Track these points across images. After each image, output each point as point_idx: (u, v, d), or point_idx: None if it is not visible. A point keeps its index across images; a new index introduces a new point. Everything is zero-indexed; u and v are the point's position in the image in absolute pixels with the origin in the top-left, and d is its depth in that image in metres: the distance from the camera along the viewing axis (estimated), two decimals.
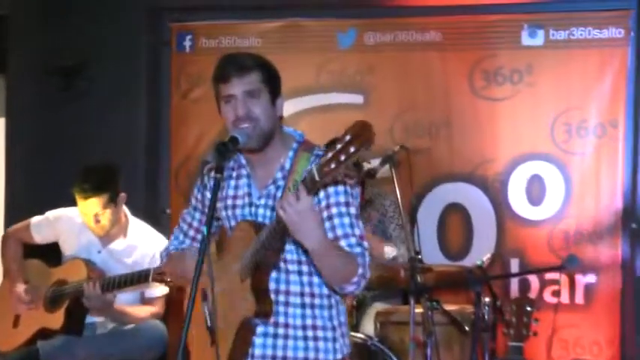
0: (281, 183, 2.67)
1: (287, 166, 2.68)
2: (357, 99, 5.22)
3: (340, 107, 5.22)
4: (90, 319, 4.17)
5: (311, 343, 2.68)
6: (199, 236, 2.78)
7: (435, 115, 5.15)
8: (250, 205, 2.71)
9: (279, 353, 2.67)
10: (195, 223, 2.87)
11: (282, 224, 2.44)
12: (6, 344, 4.29)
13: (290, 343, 2.67)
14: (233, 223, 2.74)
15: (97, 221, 4.12)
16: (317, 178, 2.32)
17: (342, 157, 2.27)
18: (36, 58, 5.40)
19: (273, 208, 2.63)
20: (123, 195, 4.18)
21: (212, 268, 2.49)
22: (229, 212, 2.74)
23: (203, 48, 5.38)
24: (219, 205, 2.73)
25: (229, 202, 2.75)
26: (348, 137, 2.28)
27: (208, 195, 2.74)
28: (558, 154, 5.02)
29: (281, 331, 2.67)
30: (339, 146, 2.28)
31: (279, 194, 2.65)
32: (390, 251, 4.31)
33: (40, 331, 4.17)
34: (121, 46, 5.30)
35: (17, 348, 4.22)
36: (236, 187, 2.75)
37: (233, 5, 5.37)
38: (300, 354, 2.67)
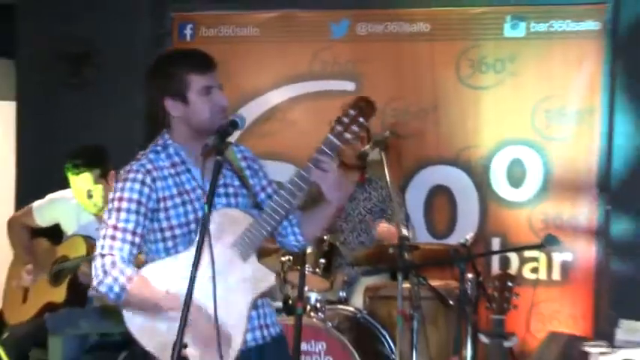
0: (227, 172, 2.62)
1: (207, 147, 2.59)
2: (350, 86, 5.17)
3: (333, 94, 5.15)
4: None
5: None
6: (136, 239, 2.54)
7: (423, 101, 5.11)
8: (205, 196, 2.55)
9: (262, 322, 2.67)
10: (139, 229, 2.54)
11: (303, 187, 2.51)
12: (17, 318, 4.27)
13: (267, 309, 2.70)
14: (192, 216, 2.57)
15: (90, 197, 4.10)
16: (339, 144, 2.53)
17: (355, 129, 2.52)
18: (44, 46, 5.35)
19: (226, 195, 2.62)
20: (113, 172, 4.13)
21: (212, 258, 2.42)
22: (188, 207, 2.57)
23: (203, 37, 5.34)
24: (158, 205, 2.56)
25: (187, 197, 2.58)
26: (352, 112, 2.53)
27: (153, 194, 2.55)
28: (538, 139, 4.99)
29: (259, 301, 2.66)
30: (346, 120, 2.53)
31: (229, 181, 2.63)
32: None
33: (46, 305, 4.15)
34: (126, 35, 5.25)
35: (27, 321, 4.20)
36: (182, 183, 2.59)
37: None
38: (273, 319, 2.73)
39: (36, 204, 4.32)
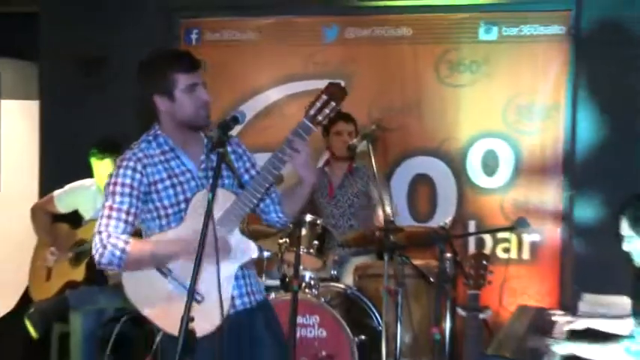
0: (214, 157, 2.55)
1: (208, 145, 2.65)
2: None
3: None
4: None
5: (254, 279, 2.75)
6: (129, 218, 2.55)
7: (407, 99, 5.08)
8: (192, 178, 2.62)
9: (249, 289, 2.69)
10: (132, 210, 2.56)
11: (280, 167, 2.52)
12: (41, 295, 4.26)
13: (253, 280, 2.73)
14: (182, 197, 2.59)
15: None
16: (313, 127, 2.52)
17: (327, 112, 2.53)
18: (64, 50, 5.32)
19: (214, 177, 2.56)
20: None
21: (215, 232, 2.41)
22: (178, 188, 2.59)
23: (208, 40, 5.29)
24: (150, 188, 2.58)
25: (176, 179, 2.59)
26: (325, 97, 2.54)
27: (144, 179, 2.57)
28: (509, 132, 4.98)
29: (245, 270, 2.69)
30: (318, 104, 2.54)
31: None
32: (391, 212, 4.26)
33: (67, 283, 4.15)
34: (138, 39, 5.19)
35: (50, 297, 4.19)
36: (171, 168, 2.61)
37: (234, 4, 5.26)
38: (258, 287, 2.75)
39: (56, 192, 4.30)
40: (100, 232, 2.54)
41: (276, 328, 2.76)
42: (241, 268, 2.62)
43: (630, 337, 3.00)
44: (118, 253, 2.50)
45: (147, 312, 2.52)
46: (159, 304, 2.52)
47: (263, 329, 2.69)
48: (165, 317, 2.49)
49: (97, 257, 2.52)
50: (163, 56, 2.69)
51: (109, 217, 2.54)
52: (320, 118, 2.53)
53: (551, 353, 3.11)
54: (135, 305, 2.54)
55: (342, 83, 5.16)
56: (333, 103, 2.53)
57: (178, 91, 2.57)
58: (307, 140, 2.54)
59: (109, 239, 2.51)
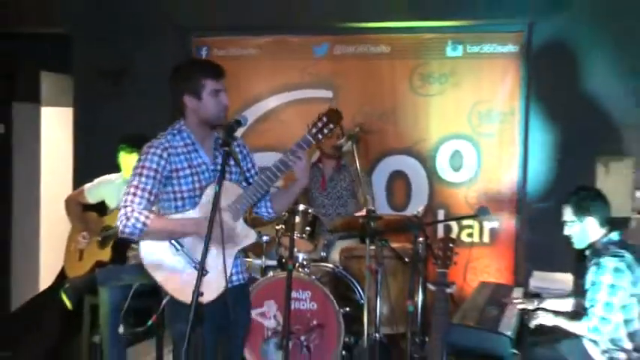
0: (221, 153, 2.59)
1: (217, 141, 2.68)
2: (329, 94, 5.13)
3: (316, 100, 5.12)
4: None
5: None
6: (151, 198, 2.56)
7: (385, 106, 5.07)
8: (207, 170, 2.66)
9: (242, 268, 2.76)
10: (154, 191, 2.57)
11: (284, 170, 2.58)
12: (75, 272, 4.24)
13: (242, 261, 2.79)
14: (197, 185, 2.61)
15: None
16: (313, 141, 2.62)
17: (326, 131, 2.64)
18: (93, 64, 5.28)
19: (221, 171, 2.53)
20: None
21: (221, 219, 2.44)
22: (195, 177, 2.62)
23: (216, 56, 5.26)
24: (172, 174, 2.60)
25: (194, 170, 2.62)
26: (325, 119, 2.64)
27: (167, 166, 2.58)
28: (473, 134, 4.98)
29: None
30: (320, 124, 2.64)
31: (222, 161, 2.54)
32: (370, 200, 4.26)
33: (96, 263, 4.12)
34: (155, 55, 5.17)
35: (82, 275, 4.16)
36: (191, 159, 2.64)
37: (238, 25, 5.22)
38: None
39: (86, 186, 4.27)
40: (125, 207, 2.55)
41: (249, 310, 2.85)
42: (239, 251, 2.66)
43: (585, 315, 2.98)
44: (139, 225, 2.51)
45: (159, 278, 2.55)
46: (170, 273, 2.54)
47: (244, 311, 2.77)
48: (174, 284, 2.53)
49: (120, 227, 2.53)
50: (197, 63, 2.78)
51: (135, 194, 2.56)
52: (320, 136, 2.66)
53: (532, 316, 3.09)
54: (149, 271, 2.55)
55: (331, 93, 5.16)
56: (331, 125, 2.65)
57: (205, 93, 2.60)
58: (307, 150, 2.61)
59: (133, 213, 2.53)
